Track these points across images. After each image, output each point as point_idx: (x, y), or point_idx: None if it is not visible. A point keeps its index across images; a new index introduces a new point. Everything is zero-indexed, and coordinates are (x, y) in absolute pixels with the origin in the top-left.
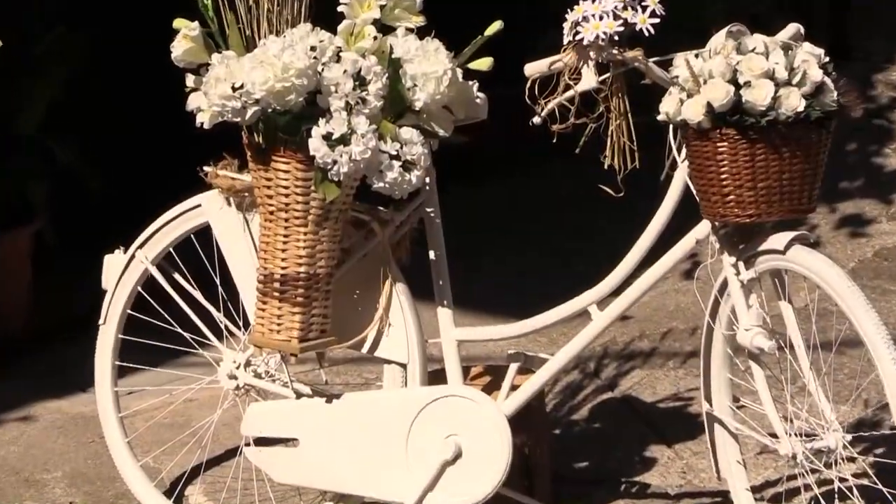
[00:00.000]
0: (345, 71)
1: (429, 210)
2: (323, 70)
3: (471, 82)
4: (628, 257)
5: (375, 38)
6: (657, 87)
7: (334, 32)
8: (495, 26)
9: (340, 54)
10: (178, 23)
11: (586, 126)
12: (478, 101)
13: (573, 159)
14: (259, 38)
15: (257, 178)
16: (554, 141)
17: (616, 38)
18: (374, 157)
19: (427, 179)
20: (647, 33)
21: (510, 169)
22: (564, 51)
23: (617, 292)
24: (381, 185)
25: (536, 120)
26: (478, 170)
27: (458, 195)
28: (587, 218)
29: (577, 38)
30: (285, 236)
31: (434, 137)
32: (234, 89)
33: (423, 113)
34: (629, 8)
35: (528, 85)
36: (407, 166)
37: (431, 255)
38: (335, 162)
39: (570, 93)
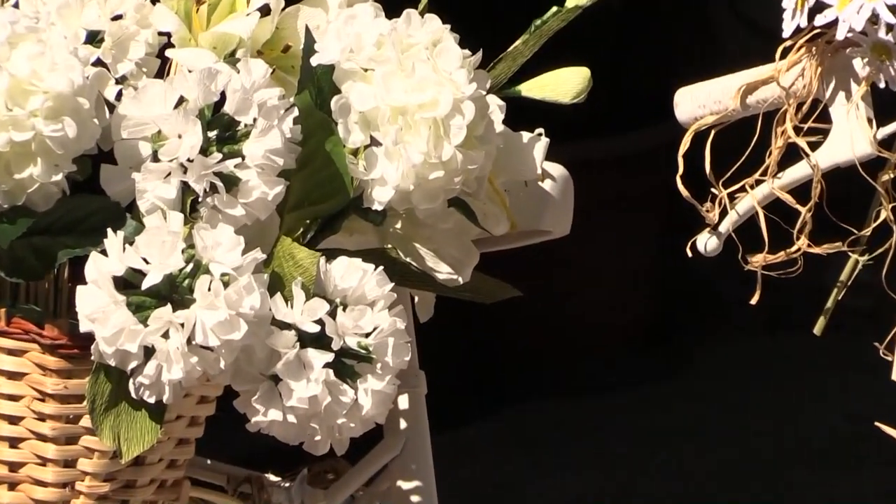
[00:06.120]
0: (181, 100)
1: (406, 488)
2: (122, 93)
3: (528, 136)
4: None
5: (266, 10)
6: None
7: None
8: None
9: (170, 52)
10: None
11: (844, 260)
12: (546, 186)
13: (777, 346)
14: None
15: None
16: (753, 301)
17: None
18: (258, 338)
19: (404, 402)
20: None
21: (619, 367)
22: (785, 57)
23: None
24: (275, 417)
25: (709, 243)
26: (536, 368)
27: (476, 434)
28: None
29: (820, 26)
30: None
31: (424, 287)
32: None
33: (396, 218)
34: None
35: (682, 149)
36: (346, 367)
37: None
38: (148, 354)
39: (799, 170)
